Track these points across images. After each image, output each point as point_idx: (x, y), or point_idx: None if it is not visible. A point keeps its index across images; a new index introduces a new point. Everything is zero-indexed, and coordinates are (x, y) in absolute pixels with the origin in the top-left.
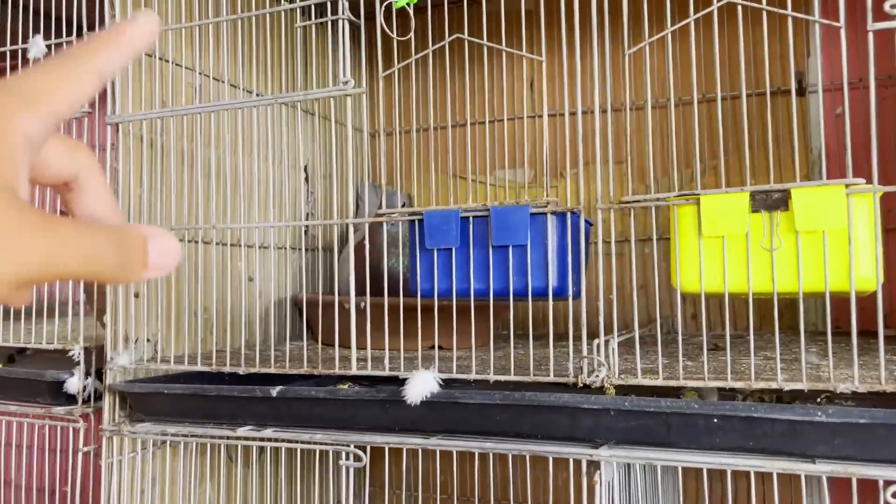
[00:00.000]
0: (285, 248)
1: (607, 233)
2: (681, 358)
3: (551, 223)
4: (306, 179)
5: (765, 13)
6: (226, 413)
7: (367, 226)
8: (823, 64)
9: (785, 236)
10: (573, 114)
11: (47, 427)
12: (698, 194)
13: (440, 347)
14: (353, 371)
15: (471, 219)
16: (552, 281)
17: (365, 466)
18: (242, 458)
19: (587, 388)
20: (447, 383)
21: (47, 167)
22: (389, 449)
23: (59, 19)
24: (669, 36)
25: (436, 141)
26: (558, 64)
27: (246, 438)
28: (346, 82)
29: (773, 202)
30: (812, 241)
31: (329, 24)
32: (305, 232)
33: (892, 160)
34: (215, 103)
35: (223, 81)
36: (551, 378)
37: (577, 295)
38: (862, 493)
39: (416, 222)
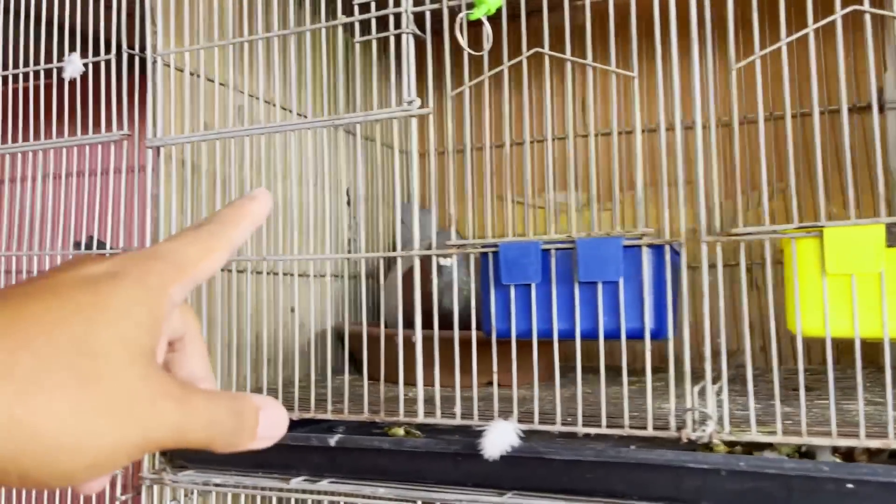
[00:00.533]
0: (326, 276)
1: (691, 261)
2: (778, 404)
3: (647, 257)
4: (348, 203)
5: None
6: (278, 462)
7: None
8: None
9: None
10: (652, 130)
11: None
12: (822, 226)
13: (498, 385)
14: (420, 419)
15: (553, 251)
16: (648, 322)
17: None
18: None
19: (691, 444)
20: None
21: (170, 329)
22: None
23: (96, 39)
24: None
25: (481, 161)
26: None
27: (300, 491)
28: (411, 102)
29: None
30: None
31: (390, 39)
32: (347, 256)
33: None
34: (267, 125)
35: (271, 103)
36: (650, 432)
37: (661, 333)
38: None
39: (490, 255)
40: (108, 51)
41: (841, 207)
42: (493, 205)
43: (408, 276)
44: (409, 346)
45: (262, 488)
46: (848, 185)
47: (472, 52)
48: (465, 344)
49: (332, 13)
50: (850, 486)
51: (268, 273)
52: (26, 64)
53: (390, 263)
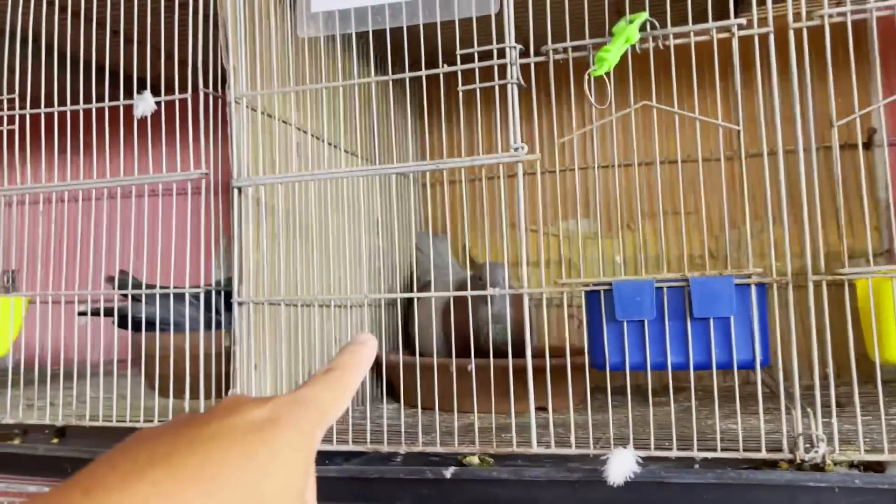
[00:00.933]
0: (363, 306)
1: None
2: (884, 424)
3: (755, 294)
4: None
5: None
6: (385, 496)
7: (453, 283)
8: (887, 119)
9: None
10: (730, 158)
11: None
12: None
13: (541, 409)
14: (534, 449)
15: (664, 289)
16: (758, 352)
17: None
18: None
19: (801, 464)
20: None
21: None
22: None
23: (167, 80)
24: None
25: (493, 189)
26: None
27: None
28: (518, 148)
29: None
30: None
31: (494, 88)
32: (420, 295)
33: None
34: (355, 169)
35: (333, 145)
36: (763, 455)
37: (766, 362)
38: None
39: (602, 292)
40: (182, 90)
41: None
42: (485, 230)
43: (455, 305)
44: (461, 374)
45: None
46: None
47: (597, 107)
48: (513, 371)
49: (369, 62)
50: None
51: (319, 306)
52: (100, 99)
53: (419, 288)
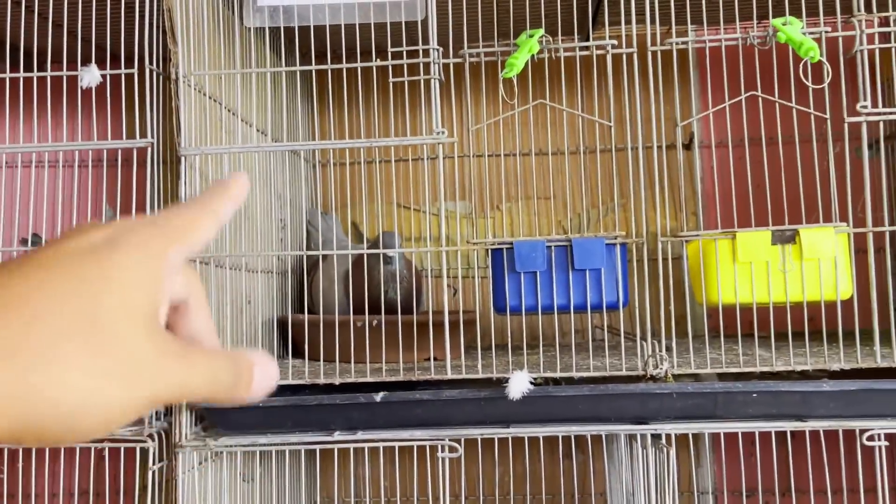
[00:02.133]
0: (271, 272)
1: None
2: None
3: (619, 252)
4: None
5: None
6: (318, 421)
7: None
8: (703, 125)
9: (794, 262)
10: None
11: (107, 450)
12: (735, 232)
13: (434, 358)
14: (449, 375)
15: (553, 247)
16: (620, 296)
17: (460, 458)
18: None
19: (652, 378)
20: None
21: (171, 292)
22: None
23: (113, 53)
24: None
25: (383, 172)
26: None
27: (344, 442)
28: (440, 132)
29: (785, 238)
30: (811, 265)
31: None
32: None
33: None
34: (294, 143)
35: (254, 127)
36: (624, 373)
37: (626, 304)
38: (847, 441)
39: (505, 250)
40: (129, 65)
41: (674, 219)
42: (384, 209)
43: (355, 269)
44: (359, 330)
45: (307, 443)
46: (628, 199)
47: (508, 101)
48: (407, 327)
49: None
50: (754, 395)
51: (218, 266)
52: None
53: (314, 261)
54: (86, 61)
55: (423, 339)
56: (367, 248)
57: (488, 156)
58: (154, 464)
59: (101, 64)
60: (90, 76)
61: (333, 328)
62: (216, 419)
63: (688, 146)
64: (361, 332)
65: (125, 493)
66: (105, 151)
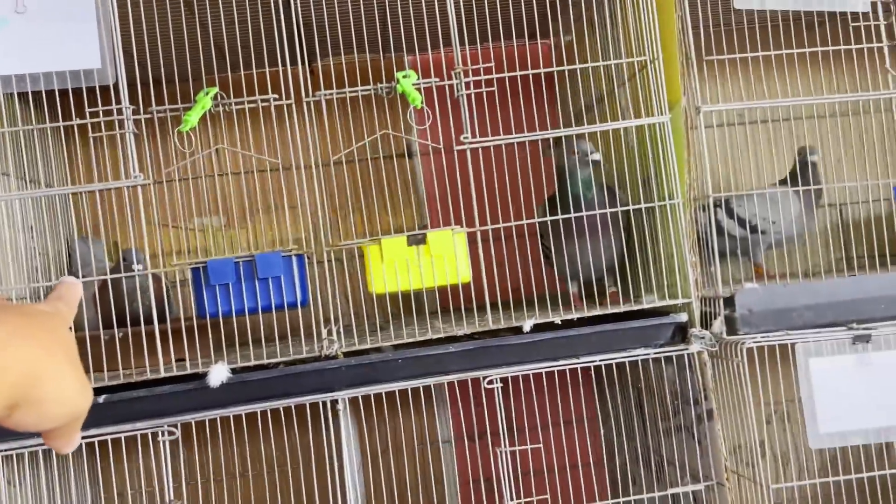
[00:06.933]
0: (25, 299)
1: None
2: (379, 332)
3: (295, 262)
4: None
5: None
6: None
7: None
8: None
9: (426, 257)
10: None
11: None
12: (380, 239)
13: (181, 360)
14: (163, 374)
15: (241, 263)
16: (300, 295)
17: (178, 440)
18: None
19: (326, 358)
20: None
21: None
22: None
23: None
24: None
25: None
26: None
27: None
28: (137, 176)
29: (418, 240)
30: (438, 259)
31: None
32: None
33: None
34: (55, 188)
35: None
36: (304, 355)
37: (305, 303)
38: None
39: (201, 267)
40: None
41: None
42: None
43: (102, 288)
44: (111, 342)
45: (29, 446)
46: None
47: (182, 150)
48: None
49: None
50: (399, 361)
51: None
52: None
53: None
54: None
55: (178, 342)
56: (112, 267)
57: (206, 176)
58: None
59: None
60: None
61: (85, 343)
62: None
63: (410, 155)
64: (110, 343)
65: None
66: None
